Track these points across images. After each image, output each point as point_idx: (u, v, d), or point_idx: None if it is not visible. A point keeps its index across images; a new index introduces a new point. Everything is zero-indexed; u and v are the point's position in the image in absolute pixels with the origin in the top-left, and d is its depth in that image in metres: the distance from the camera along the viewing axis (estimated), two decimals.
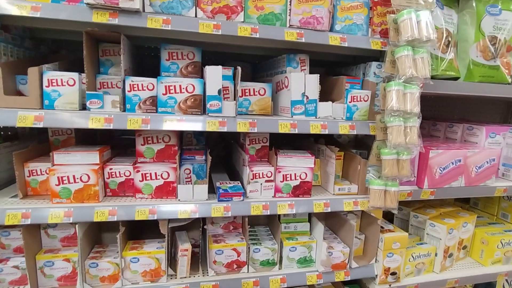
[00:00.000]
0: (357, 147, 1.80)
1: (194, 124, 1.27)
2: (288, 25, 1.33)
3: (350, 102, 1.45)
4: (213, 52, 1.68)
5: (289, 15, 1.32)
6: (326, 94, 1.58)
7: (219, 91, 1.29)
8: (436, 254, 1.78)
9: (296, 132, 1.37)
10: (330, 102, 1.43)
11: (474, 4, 1.53)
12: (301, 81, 1.38)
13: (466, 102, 2.46)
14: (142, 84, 1.26)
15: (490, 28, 1.54)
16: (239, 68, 1.27)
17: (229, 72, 1.33)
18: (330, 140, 1.76)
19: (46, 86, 1.18)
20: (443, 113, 2.44)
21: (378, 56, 1.57)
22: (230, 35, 1.25)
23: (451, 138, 2.01)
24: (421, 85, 1.39)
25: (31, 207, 1.20)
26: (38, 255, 1.32)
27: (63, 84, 1.20)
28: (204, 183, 1.38)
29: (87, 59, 1.21)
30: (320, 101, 1.43)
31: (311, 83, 1.40)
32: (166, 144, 1.42)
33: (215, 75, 1.26)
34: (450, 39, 1.49)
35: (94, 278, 1.33)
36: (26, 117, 1.14)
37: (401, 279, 1.68)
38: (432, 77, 1.47)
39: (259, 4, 1.28)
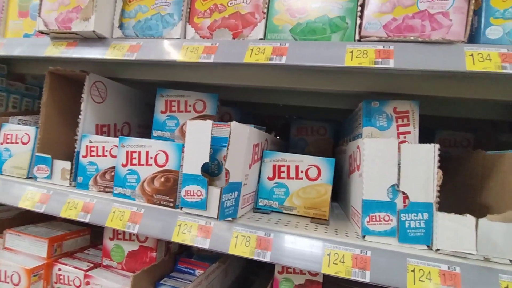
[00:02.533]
0: None
1: (154, 225, 0.68)
2: (357, 37, 0.62)
3: None
4: (268, 104, 1.10)
5: (361, 17, 0.62)
6: (468, 195, 0.69)
7: (207, 168, 0.67)
8: None
9: (367, 280, 0.55)
10: (471, 217, 0.55)
11: None
12: (388, 158, 0.59)
13: None
14: (103, 147, 0.80)
15: None
16: (232, 123, 0.62)
17: (226, 132, 0.70)
18: None
19: (0, 143, 0.88)
20: None
21: None
22: (231, 64, 0.65)
23: None
24: None
25: None
26: None
27: (17, 142, 0.87)
28: None
29: (48, 106, 0.86)
30: (444, 209, 0.58)
31: (417, 164, 0.58)
32: (141, 244, 0.86)
33: (199, 136, 0.66)
34: None
35: None
36: None
37: None
38: None
39: (297, 4, 0.65)
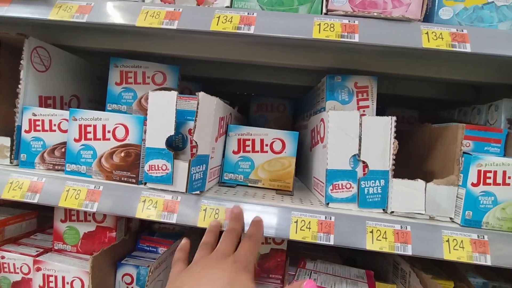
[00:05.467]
0: (487, 269, 0.86)
1: (116, 202, 0.64)
2: (324, 10, 0.63)
3: (475, 184, 0.60)
4: (229, 80, 1.08)
5: None
6: (416, 163, 0.77)
7: (171, 141, 0.65)
8: None
9: (331, 243, 0.59)
10: (421, 182, 0.62)
11: None
12: (350, 129, 0.63)
13: None
14: (50, 121, 0.72)
15: None
16: (200, 94, 0.60)
17: (194, 105, 0.67)
18: None
19: None
20: None
21: None
22: (195, 31, 0.62)
23: None
24: None
25: None
26: None
27: None
28: None
29: None
30: (398, 175, 0.63)
31: (376, 136, 0.63)
32: (98, 224, 0.82)
33: (163, 108, 0.62)
34: None
35: None
36: None
37: None
38: None
39: None
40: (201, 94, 0.59)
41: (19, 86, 0.72)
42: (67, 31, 0.86)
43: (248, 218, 0.61)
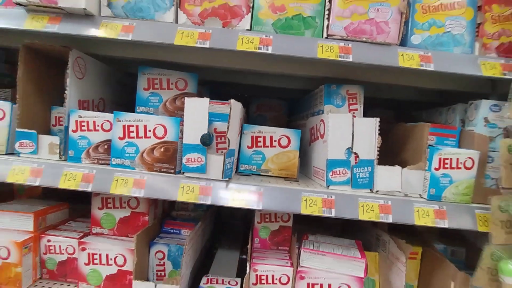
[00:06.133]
0: (447, 238, 1.09)
1: (159, 188, 0.79)
2: (325, 34, 0.80)
3: (437, 169, 0.80)
4: (233, 84, 1.23)
5: (328, 19, 0.80)
6: (394, 153, 0.97)
7: (204, 139, 0.80)
8: None
9: (333, 215, 0.77)
10: (398, 168, 0.81)
11: None
12: (345, 128, 0.81)
13: None
14: (94, 122, 0.85)
15: None
16: (235, 103, 0.76)
17: (226, 109, 0.83)
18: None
19: None
20: None
21: (489, 90, 0.92)
22: (224, 50, 0.77)
23: None
24: None
25: None
26: None
27: None
28: (175, 283, 0.85)
29: (21, 85, 0.85)
30: (380, 163, 0.82)
31: (364, 133, 0.81)
32: (133, 210, 0.95)
33: (197, 111, 0.77)
34: None
35: None
36: None
37: None
38: None
39: (278, 2, 0.79)
40: (233, 101, 0.74)
41: (66, 92, 0.84)
42: (98, 43, 0.97)
43: (268, 198, 0.78)
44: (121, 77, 1.16)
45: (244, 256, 1.14)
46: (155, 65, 0.96)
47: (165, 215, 1.11)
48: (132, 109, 0.94)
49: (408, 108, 1.31)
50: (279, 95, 1.42)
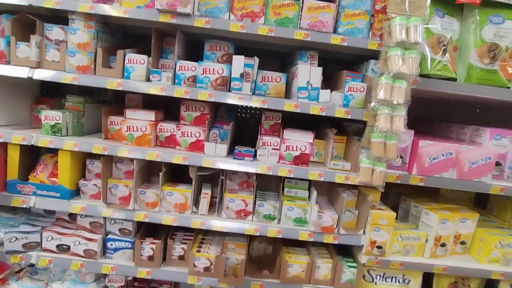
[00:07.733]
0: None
1: (220, 97, 1.73)
2: (298, 27, 1.70)
3: (347, 91, 1.75)
4: (251, 48, 2.13)
5: (300, 19, 1.70)
6: (332, 86, 1.91)
7: (241, 75, 1.73)
8: (426, 240, 1.95)
9: (299, 111, 1.73)
10: (329, 90, 1.76)
11: (476, 14, 1.70)
12: (306, 72, 1.74)
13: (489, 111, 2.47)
14: (187, 66, 1.77)
15: (491, 35, 1.69)
16: (256, 58, 1.69)
17: (251, 61, 1.75)
18: (341, 128, 2.05)
19: (126, 63, 1.76)
20: (468, 121, 2.51)
21: (376, 55, 1.84)
22: (252, 33, 1.68)
23: (461, 139, 2.13)
24: (412, 81, 1.63)
25: (108, 144, 1.79)
26: (109, 179, 1.91)
27: (137, 63, 1.76)
28: (225, 144, 1.83)
29: (154, 47, 1.76)
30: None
31: (315, 74, 1.75)
32: (202, 112, 1.91)
33: (238, 62, 1.70)
34: (446, 43, 1.69)
35: (141, 202, 1.88)
36: (112, 83, 1.73)
37: (387, 254, 1.91)
38: (425, 76, 1.70)
39: (277, 11, 1.69)
40: (255, 58, 1.67)
41: (175, 52, 1.76)
42: (184, 27, 1.86)
43: (269, 103, 1.73)
44: (191, 45, 2.06)
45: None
46: (213, 38, 1.87)
47: (215, 118, 2.08)
48: (191, 60, 1.84)
49: (349, 65, 2.23)
50: (276, 55, 2.33)
